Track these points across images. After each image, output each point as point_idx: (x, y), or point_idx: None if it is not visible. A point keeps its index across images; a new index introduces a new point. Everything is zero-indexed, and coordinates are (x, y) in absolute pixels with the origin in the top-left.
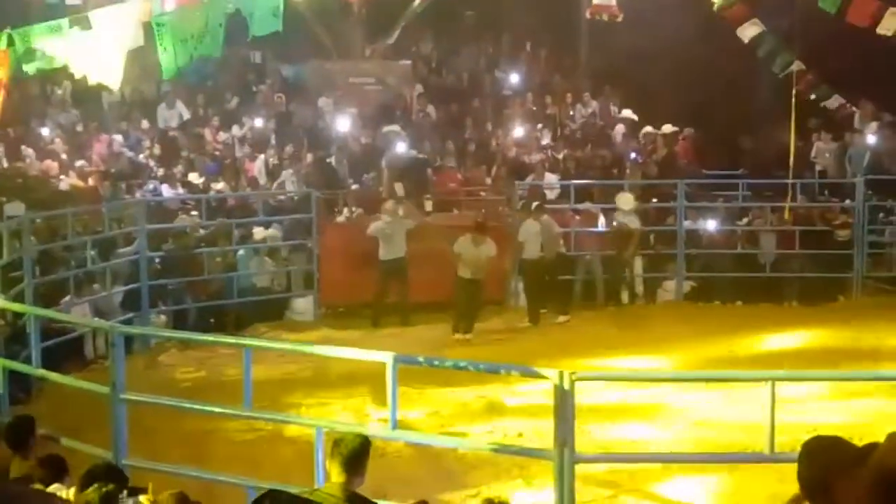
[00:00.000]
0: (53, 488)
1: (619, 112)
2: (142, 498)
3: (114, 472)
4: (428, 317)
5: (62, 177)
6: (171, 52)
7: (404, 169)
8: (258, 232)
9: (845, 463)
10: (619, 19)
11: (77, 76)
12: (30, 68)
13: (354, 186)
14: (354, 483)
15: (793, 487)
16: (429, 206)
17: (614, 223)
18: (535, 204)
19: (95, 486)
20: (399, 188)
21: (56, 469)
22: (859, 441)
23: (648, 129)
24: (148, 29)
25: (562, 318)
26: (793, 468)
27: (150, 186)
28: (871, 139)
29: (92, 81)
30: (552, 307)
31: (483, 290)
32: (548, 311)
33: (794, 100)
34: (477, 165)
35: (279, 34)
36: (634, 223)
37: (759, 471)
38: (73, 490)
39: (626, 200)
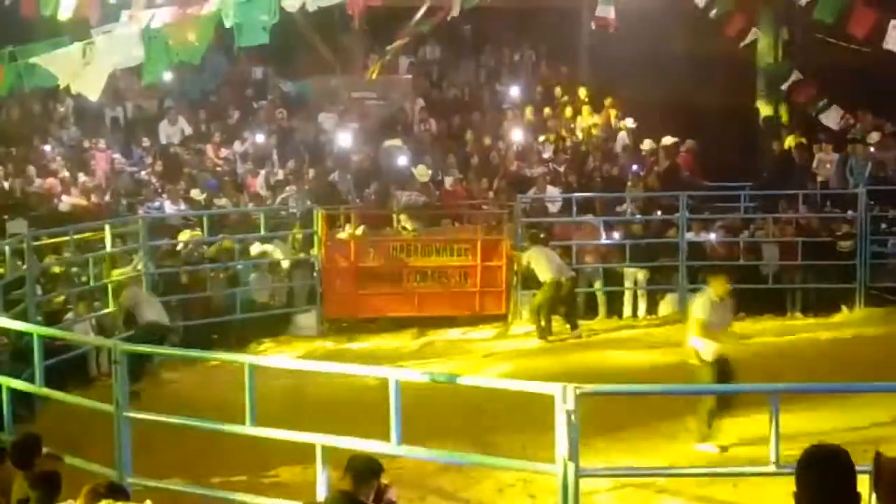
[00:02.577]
0: None
1: (620, 124)
2: None
3: (116, 491)
4: (435, 330)
5: (63, 197)
6: (153, 59)
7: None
8: (258, 247)
9: (849, 476)
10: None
11: (62, 86)
12: (28, 85)
13: (357, 202)
14: (360, 494)
15: None
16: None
17: None
18: (541, 236)
19: None
20: (409, 222)
21: (50, 487)
22: (863, 452)
23: (648, 142)
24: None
25: (574, 333)
26: None
27: (157, 204)
28: (872, 149)
29: (73, 91)
30: (564, 322)
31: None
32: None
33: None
34: (478, 178)
35: (281, 49)
36: None
37: (765, 484)
38: None
39: None
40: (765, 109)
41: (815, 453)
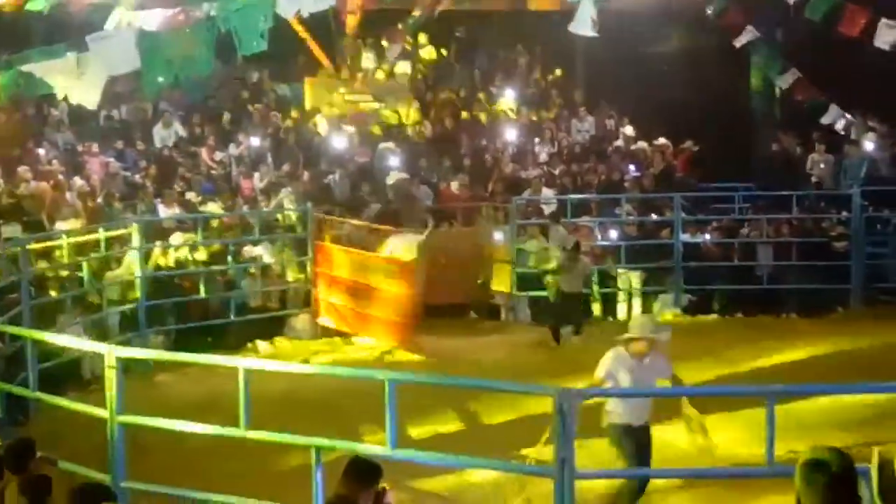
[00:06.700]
0: None
1: (615, 126)
2: None
3: (101, 491)
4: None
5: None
6: (153, 72)
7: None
8: (251, 250)
9: (850, 477)
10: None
11: (59, 97)
12: (27, 93)
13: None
14: (359, 498)
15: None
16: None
17: None
18: (573, 242)
19: None
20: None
21: (39, 492)
22: (857, 453)
23: (643, 144)
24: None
25: (576, 338)
26: (792, 482)
27: (153, 207)
28: (867, 149)
29: (72, 101)
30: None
31: None
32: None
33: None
34: (473, 181)
35: (277, 53)
36: None
37: (759, 485)
38: None
39: None
40: (759, 108)
41: (816, 455)
